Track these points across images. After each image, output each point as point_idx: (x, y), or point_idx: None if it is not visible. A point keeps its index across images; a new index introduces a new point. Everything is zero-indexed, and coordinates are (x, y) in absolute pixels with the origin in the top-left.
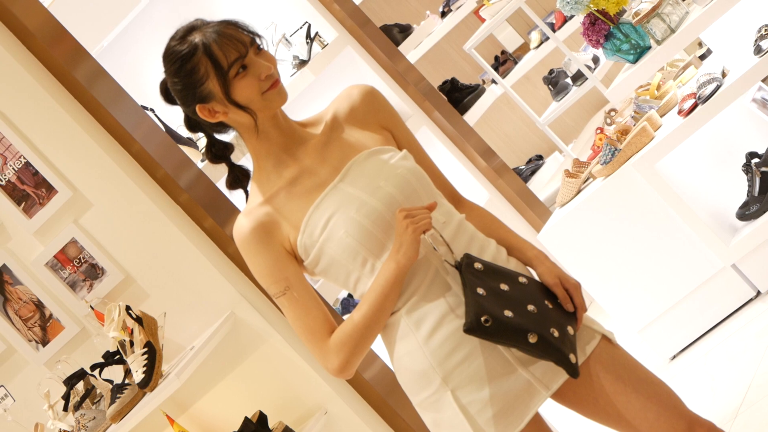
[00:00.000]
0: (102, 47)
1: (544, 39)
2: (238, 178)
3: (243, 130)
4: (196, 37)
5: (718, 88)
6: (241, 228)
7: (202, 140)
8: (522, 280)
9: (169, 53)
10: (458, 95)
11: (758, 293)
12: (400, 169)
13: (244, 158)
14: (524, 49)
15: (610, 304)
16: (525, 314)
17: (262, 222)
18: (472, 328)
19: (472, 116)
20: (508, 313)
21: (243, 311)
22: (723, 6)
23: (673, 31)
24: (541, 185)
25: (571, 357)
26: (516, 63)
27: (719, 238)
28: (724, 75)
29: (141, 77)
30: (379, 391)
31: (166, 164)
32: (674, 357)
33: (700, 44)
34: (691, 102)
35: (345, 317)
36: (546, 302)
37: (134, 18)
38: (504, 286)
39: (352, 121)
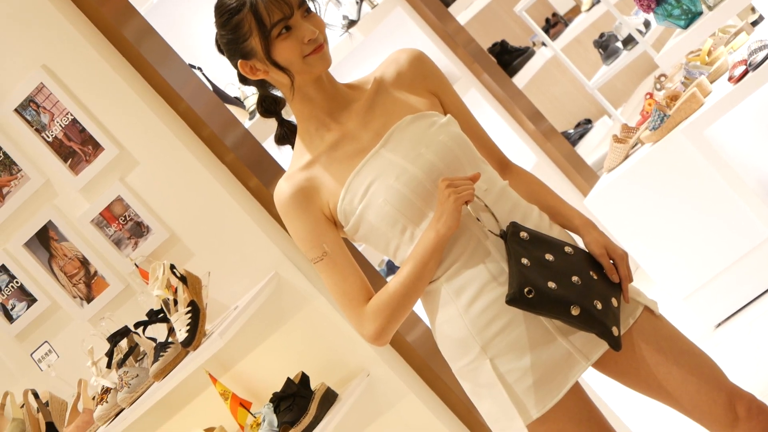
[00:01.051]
0: (152, 4)
1: (596, 1)
2: (287, 134)
3: (285, 91)
4: None
5: None
6: (281, 192)
7: (250, 99)
8: (568, 249)
9: (220, 5)
10: (508, 58)
11: None
12: (443, 136)
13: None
14: (575, 11)
15: (655, 270)
16: (569, 286)
17: (302, 187)
18: (515, 299)
19: (521, 79)
20: (551, 285)
21: (287, 272)
22: None
23: None
24: (590, 149)
25: (614, 330)
26: (567, 25)
27: (766, 206)
28: None
29: (189, 35)
30: (421, 354)
31: (212, 123)
32: (719, 325)
33: (753, 10)
34: (741, 69)
35: (389, 278)
36: (591, 273)
37: None
38: (549, 257)
39: (398, 85)
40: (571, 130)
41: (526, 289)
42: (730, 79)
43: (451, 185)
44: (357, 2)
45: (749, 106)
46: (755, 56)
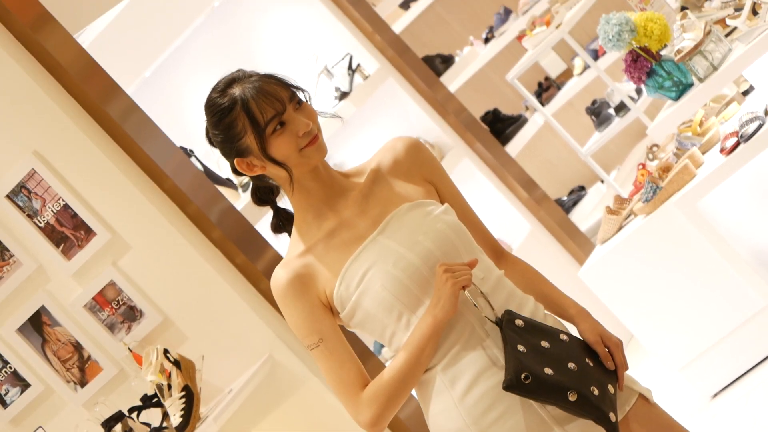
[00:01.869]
0: (143, 79)
1: (588, 66)
2: (282, 222)
3: (282, 183)
4: (236, 91)
5: (760, 126)
6: (278, 279)
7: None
8: (563, 337)
9: (210, 105)
10: (500, 126)
11: None
12: (440, 224)
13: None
14: (568, 74)
15: (651, 341)
16: (565, 372)
17: (299, 274)
18: (512, 385)
19: (514, 147)
20: (548, 371)
21: (281, 354)
22: (766, 44)
23: (715, 68)
24: (584, 216)
25: (611, 416)
26: (559, 89)
27: (761, 277)
28: (767, 113)
29: (182, 108)
30: (414, 428)
31: (197, 199)
32: (715, 395)
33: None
34: (733, 140)
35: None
36: (587, 360)
37: (176, 48)
38: (545, 344)
39: (395, 173)
40: (565, 197)
41: (522, 375)
42: (721, 150)
43: (449, 270)
44: (349, 74)
45: (741, 177)
46: (746, 128)
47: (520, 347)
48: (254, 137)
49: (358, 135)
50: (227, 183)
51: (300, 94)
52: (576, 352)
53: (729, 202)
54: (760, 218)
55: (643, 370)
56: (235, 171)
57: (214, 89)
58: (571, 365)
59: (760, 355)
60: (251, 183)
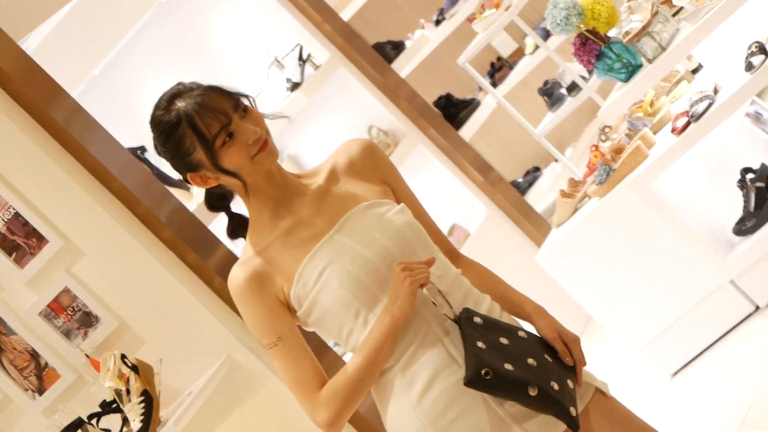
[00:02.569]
0: (93, 76)
1: (539, 45)
2: (238, 228)
3: (237, 189)
4: (180, 106)
5: (710, 105)
6: (235, 278)
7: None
8: (521, 334)
9: (156, 122)
10: (454, 110)
11: (757, 308)
12: (397, 223)
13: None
14: (520, 53)
15: (610, 323)
16: (525, 367)
17: (256, 272)
18: (473, 380)
19: (468, 130)
20: (508, 366)
21: (239, 354)
22: (713, 23)
23: (664, 49)
24: (540, 196)
25: (572, 410)
26: (512, 68)
27: (716, 255)
28: (716, 92)
29: (134, 104)
30: (373, 423)
31: (146, 199)
32: (675, 374)
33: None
34: (684, 120)
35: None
36: (546, 356)
37: (125, 44)
38: (504, 340)
39: (350, 173)
40: (521, 179)
41: (483, 371)
42: (673, 130)
43: (407, 268)
44: (300, 64)
45: (693, 155)
46: (696, 107)
47: (480, 344)
48: (204, 152)
49: (311, 125)
50: (179, 185)
51: (244, 101)
52: (535, 348)
53: (682, 181)
54: (713, 196)
55: (602, 352)
56: (188, 182)
57: (157, 106)
58: (530, 361)
59: (718, 333)
60: (204, 190)
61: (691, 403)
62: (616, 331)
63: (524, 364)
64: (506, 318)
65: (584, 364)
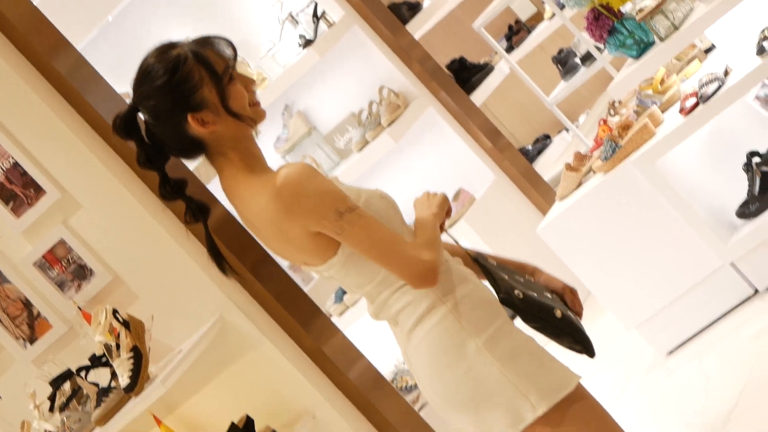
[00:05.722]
0: (107, 22)
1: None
2: (196, 213)
3: (228, 144)
4: (182, 49)
5: (719, 87)
6: (294, 167)
7: None
8: (528, 276)
9: (151, 69)
10: (466, 74)
11: (756, 291)
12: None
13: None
14: (539, 17)
15: (608, 298)
16: (545, 297)
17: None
18: (507, 300)
19: (480, 95)
20: (532, 293)
21: (231, 315)
22: (727, 4)
23: (676, 28)
24: (549, 165)
25: (590, 339)
26: (530, 32)
27: (718, 236)
28: (726, 73)
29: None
30: (363, 392)
31: None
32: (671, 352)
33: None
34: (693, 101)
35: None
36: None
37: None
38: (519, 277)
39: None
40: (530, 146)
41: (515, 292)
42: (681, 111)
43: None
44: (314, 21)
45: (700, 136)
46: (706, 89)
47: (502, 274)
48: (214, 87)
49: (323, 83)
50: None
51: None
52: (546, 288)
53: (687, 161)
54: (717, 178)
55: (599, 327)
56: (146, 158)
57: (149, 57)
58: (547, 293)
59: (716, 315)
60: (160, 176)
61: (685, 383)
62: (614, 306)
63: (543, 295)
64: None
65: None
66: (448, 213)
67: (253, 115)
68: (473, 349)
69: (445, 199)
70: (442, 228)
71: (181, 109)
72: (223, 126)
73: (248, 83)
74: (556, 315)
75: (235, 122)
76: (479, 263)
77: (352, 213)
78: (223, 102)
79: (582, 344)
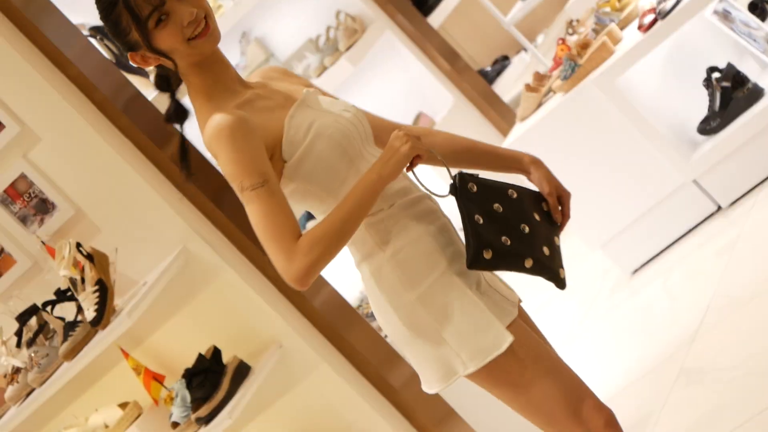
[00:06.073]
0: None
1: None
2: (175, 114)
3: (186, 71)
4: None
5: (677, 3)
6: (221, 120)
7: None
8: (511, 193)
9: (97, 1)
10: None
11: (719, 208)
12: (351, 104)
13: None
14: None
15: (571, 220)
16: (520, 238)
17: (243, 117)
18: (475, 261)
19: (437, 17)
20: (505, 240)
21: (195, 245)
22: None
23: None
24: (508, 86)
25: (561, 272)
26: None
27: (680, 154)
28: None
29: None
30: (330, 320)
31: (103, 86)
32: (636, 271)
33: None
34: (651, 17)
35: None
36: (535, 215)
37: None
38: (497, 206)
39: (280, 82)
40: (488, 68)
41: (484, 252)
42: (639, 27)
43: (410, 134)
44: None
45: (660, 52)
46: (664, 4)
47: (477, 217)
48: (138, 32)
49: (278, 10)
50: (138, 71)
51: None
52: (525, 209)
53: (647, 79)
54: (678, 95)
55: (564, 249)
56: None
57: None
58: (523, 227)
59: (680, 232)
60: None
61: (650, 301)
62: (578, 227)
63: (519, 233)
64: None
65: (569, 218)
66: (419, 157)
67: (190, 51)
68: (408, 302)
69: (408, 154)
70: (412, 165)
71: (124, 47)
72: (164, 62)
73: (184, 17)
74: (525, 265)
75: (167, 60)
76: (458, 200)
77: (251, 192)
78: (147, 45)
79: (554, 281)
